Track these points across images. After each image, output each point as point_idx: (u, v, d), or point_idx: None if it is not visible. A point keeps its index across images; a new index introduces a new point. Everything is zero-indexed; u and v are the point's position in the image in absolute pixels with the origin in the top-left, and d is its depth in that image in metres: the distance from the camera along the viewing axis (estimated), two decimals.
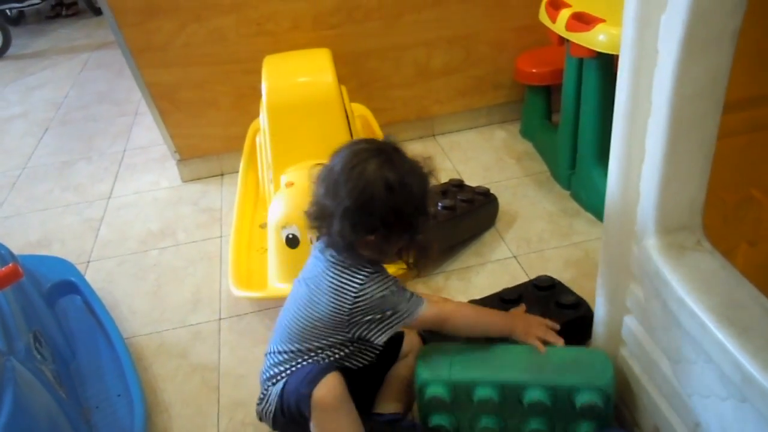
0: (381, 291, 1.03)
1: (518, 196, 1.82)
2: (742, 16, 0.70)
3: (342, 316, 1.04)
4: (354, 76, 1.97)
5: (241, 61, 1.88)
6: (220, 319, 1.52)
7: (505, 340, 1.12)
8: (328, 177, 1.01)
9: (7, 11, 4.20)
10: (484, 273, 1.56)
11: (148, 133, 2.49)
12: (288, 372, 1.10)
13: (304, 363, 1.10)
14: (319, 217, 1.03)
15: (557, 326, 1.13)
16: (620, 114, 0.87)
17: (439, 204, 1.57)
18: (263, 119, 1.63)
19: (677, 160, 0.81)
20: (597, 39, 1.43)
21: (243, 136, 1.94)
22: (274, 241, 1.45)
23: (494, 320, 1.14)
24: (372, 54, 1.97)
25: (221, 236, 1.82)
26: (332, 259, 1.05)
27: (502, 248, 1.63)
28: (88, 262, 1.79)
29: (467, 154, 2.07)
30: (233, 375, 1.37)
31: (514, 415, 1.08)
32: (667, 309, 0.85)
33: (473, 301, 1.34)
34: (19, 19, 4.33)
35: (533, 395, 1.03)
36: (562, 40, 1.59)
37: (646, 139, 0.84)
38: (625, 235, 0.95)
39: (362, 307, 1.03)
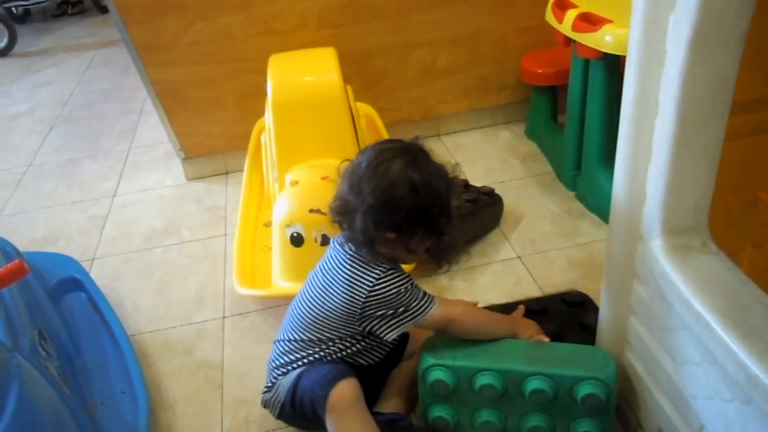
0: (396, 287, 1.04)
1: (523, 196, 1.82)
2: (750, 16, 0.70)
3: (354, 309, 1.05)
4: (359, 75, 1.97)
5: (246, 59, 1.88)
6: (224, 317, 1.52)
7: None
8: (353, 174, 1.02)
9: (13, 9, 4.21)
10: (488, 273, 1.56)
11: (153, 131, 2.50)
12: (298, 364, 1.11)
13: (316, 356, 1.11)
14: (342, 212, 1.05)
15: (546, 340, 1.15)
16: (627, 115, 0.87)
17: None
18: (268, 118, 1.63)
19: (684, 161, 0.81)
20: (604, 40, 1.43)
21: (248, 135, 1.94)
22: (278, 240, 1.46)
23: (499, 325, 1.15)
24: (377, 53, 1.97)
25: (225, 234, 1.83)
26: (350, 252, 1.07)
27: (507, 249, 1.63)
28: (93, 259, 1.79)
29: (472, 155, 2.07)
30: (237, 373, 1.37)
31: (515, 409, 1.08)
32: (673, 310, 0.85)
33: (491, 307, 1.33)
34: (25, 17, 4.34)
35: (535, 384, 1.03)
36: (569, 41, 1.59)
37: (652, 140, 0.84)
38: (631, 236, 0.95)
39: (375, 301, 1.04)
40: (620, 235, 0.97)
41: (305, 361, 1.11)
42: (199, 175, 2.13)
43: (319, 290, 1.10)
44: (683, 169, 0.82)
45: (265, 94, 1.65)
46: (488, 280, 1.54)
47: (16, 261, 0.91)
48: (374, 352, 1.15)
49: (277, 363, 1.14)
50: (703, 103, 0.77)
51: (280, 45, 1.84)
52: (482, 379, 1.06)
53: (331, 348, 1.11)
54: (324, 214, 1.32)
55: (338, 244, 1.10)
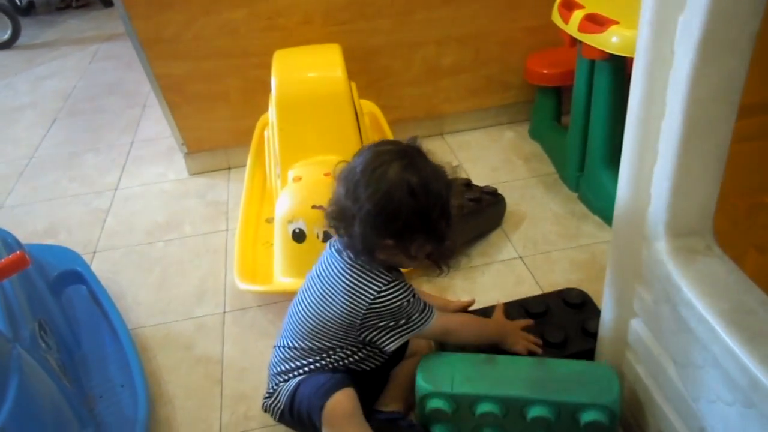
0: (398, 300, 1.03)
1: (526, 197, 1.82)
2: (760, 18, 0.69)
3: (355, 319, 1.04)
4: (364, 72, 1.96)
5: (251, 54, 1.88)
6: (224, 312, 1.52)
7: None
8: (349, 178, 0.99)
9: (18, 1, 4.21)
10: (489, 273, 1.56)
11: (156, 125, 2.50)
12: (299, 372, 1.11)
13: (316, 364, 1.10)
14: (339, 218, 1.02)
15: (539, 350, 1.17)
16: (633, 116, 0.86)
17: None
18: (272, 113, 1.63)
19: (690, 163, 0.81)
20: (610, 41, 1.42)
21: (251, 130, 1.94)
22: (280, 236, 1.45)
23: (489, 332, 1.17)
24: (382, 51, 1.97)
25: (227, 230, 1.82)
26: (350, 261, 1.04)
27: (509, 249, 1.63)
28: (95, 252, 1.79)
29: (475, 154, 2.07)
30: (236, 368, 1.37)
31: (517, 429, 1.07)
32: (676, 313, 0.85)
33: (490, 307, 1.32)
34: (29, 10, 4.34)
35: (537, 411, 1.02)
36: (574, 41, 1.59)
37: (658, 142, 0.84)
38: (635, 238, 0.94)
39: (377, 313, 1.03)
40: (624, 236, 0.97)
41: (306, 369, 1.11)
42: (201, 170, 2.13)
43: (317, 298, 1.08)
44: (689, 171, 0.82)
45: (268, 90, 1.64)
46: (489, 280, 1.54)
47: (18, 252, 0.90)
48: (376, 359, 1.15)
49: (278, 370, 1.14)
50: (710, 105, 0.76)
51: (285, 41, 1.84)
52: (482, 407, 1.04)
53: (332, 357, 1.11)
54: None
55: (335, 250, 1.08)
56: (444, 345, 1.20)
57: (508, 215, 1.73)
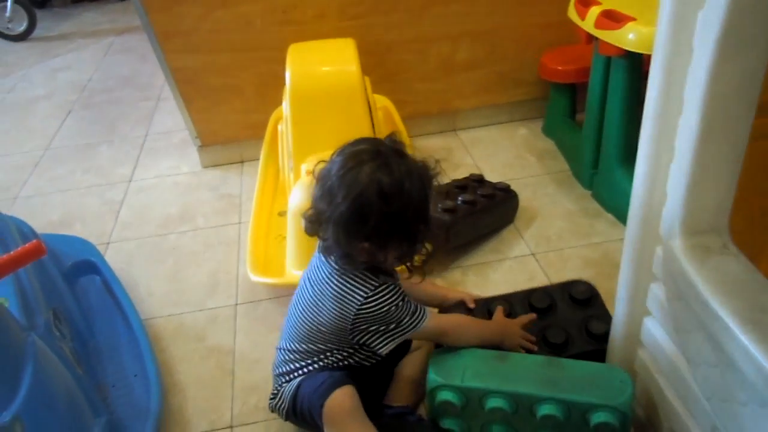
0: (386, 305, 1.02)
1: (538, 194, 1.82)
2: None
3: (345, 324, 1.04)
4: (378, 67, 1.96)
5: (265, 48, 1.88)
6: (236, 304, 1.53)
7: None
8: (324, 179, 0.98)
9: None
10: (501, 269, 1.55)
11: (170, 118, 2.51)
12: (300, 372, 1.12)
13: (315, 365, 1.11)
14: (315, 221, 1.01)
15: (532, 338, 1.17)
16: (650, 112, 0.86)
17: (459, 198, 1.56)
18: (286, 107, 1.63)
19: (707, 161, 0.80)
20: (627, 37, 1.42)
21: (265, 124, 1.94)
22: (293, 228, 1.46)
23: (486, 333, 1.15)
24: (396, 46, 1.97)
25: (240, 222, 1.83)
26: (336, 266, 1.04)
27: (521, 245, 1.62)
28: (108, 243, 1.80)
29: (488, 150, 2.06)
30: (248, 360, 1.37)
31: (526, 427, 1.06)
32: (690, 311, 0.84)
33: (497, 297, 1.31)
34: (44, 2, 4.36)
35: (546, 410, 1.01)
36: (591, 38, 1.58)
37: (675, 139, 0.83)
38: (649, 236, 0.94)
39: (365, 318, 1.03)
40: (638, 233, 0.96)
41: (306, 370, 1.11)
42: (214, 162, 2.14)
43: (309, 303, 1.09)
44: (706, 169, 0.81)
45: (283, 84, 1.65)
46: (501, 276, 1.53)
47: (34, 241, 0.91)
48: (376, 357, 1.14)
49: (280, 371, 1.15)
50: (729, 102, 0.76)
51: (300, 35, 1.84)
52: (492, 402, 1.03)
53: (330, 358, 1.11)
54: None
55: (323, 254, 1.07)
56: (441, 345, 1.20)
57: (520, 212, 1.73)
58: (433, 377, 1.07)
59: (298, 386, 1.10)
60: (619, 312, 1.09)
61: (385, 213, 0.94)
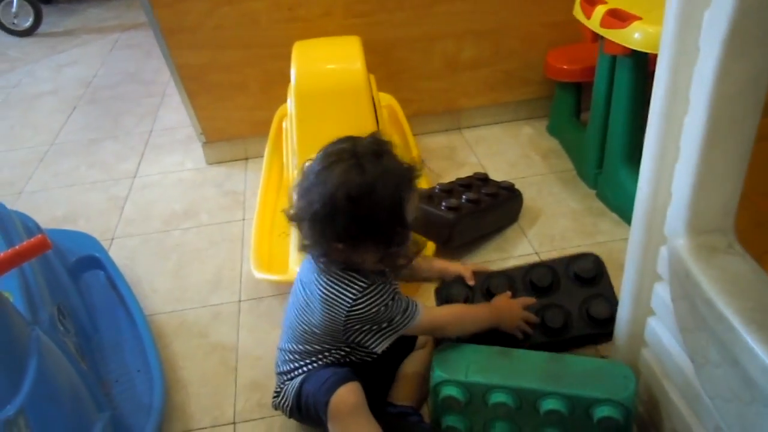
0: (375, 306, 1.02)
1: (543, 193, 1.81)
2: None
3: (337, 326, 1.04)
4: (383, 65, 1.96)
5: (271, 45, 1.88)
6: (240, 300, 1.53)
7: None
8: (304, 177, 0.99)
9: None
10: None
11: (174, 114, 2.51)
12: (302, 371, 1.12)
13: (316, 364, 1.11)
14: (295, 219, 1.01)
15: (534, 319, 1.17)
16: (656, 112, 0.86)
17: (464, 197, 1.56)
18: (291, 104, 1.63)
19: (713, 161, 0.80)
20: (632, 37, 1.41)
21: (269, 121, 1.95)
22: None
23: (483, 320, 1.15)
24: (401, 44, 1.97)
25: (243, 219, 1.83)
26: (324, 269, 1.04)
27: (525, 244, 1.62)
28: (112, 239, 1.81)
29: (493, 149, 2.06)
30: (251, 356, 1.38)
31: (530, 423, 1.07)
32: (695, 311, 0.84)
33: (496, 273, 1.30)
34: None
35: (550, 405, 1.01)
36: (596, 37, 1.58)
37: (681, 139, 0.83)
38: (654, 235, 0.94)
39: (356, 319, 1.03)
40: (643, 233, 0.96)
41: (307, 368, 1.12)
42: (219, 159, 2.14)
43: (302, 305, 1.09)
44: (712, 169, 0.81)
45: (287, 81, 1.65)
46: None
47: (39, 236, 0.91)
48: (375, 354, 1.12)
49: (282, 369, 1.16)
50: (735, 102, 0.75)
51: (305, 32, 1.84)
52: (495, 397, 1.04)
53: (328, 358, 1.11)
54: None
55: (306, 253, 1.07)
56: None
57: (524, 211, 1.72)
58: (438, 372, 1.07)
59: (302, 383, 1.10)
60: (623, 311, 1.09)
61: (354, 215, 0.94)
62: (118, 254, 1.71)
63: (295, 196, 1.01)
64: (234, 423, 1.24)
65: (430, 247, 1.48)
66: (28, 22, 3.72)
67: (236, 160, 2.14)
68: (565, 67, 1.93)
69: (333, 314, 1.03)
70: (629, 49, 1.43)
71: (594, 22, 1.53)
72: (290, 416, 1.16)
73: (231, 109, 2.02)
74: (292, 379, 1.13)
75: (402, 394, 1.18)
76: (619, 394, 0.99)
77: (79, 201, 2.02)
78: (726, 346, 0.77)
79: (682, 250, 0.86)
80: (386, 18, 1.90)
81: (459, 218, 1.49)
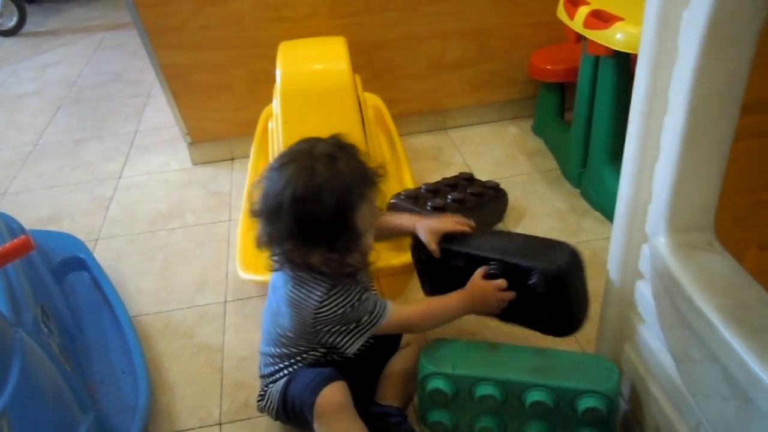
0: (341, 307, 1.02)
1: (528, 192, 1.82)
2: (765, 14, 0.69)
3: (307, 328, 1.05)
4: (368, 65, 1.97)
5: (256, 46, 1.88)
6: (225, 301, 1.53)
7: None
8: (261, 176, 0.99)
9: None
10: None
11: (160, 114, 2.50)
12: (283, 373, 1.12)
13: (296, 366, 1.11)
14: (253, 216, 1.01)
15: (510, 297, 1.10)
16: (636, 111, 0.87)
17: (449, 197, 1.57)
18: (276, 105, 1.63)
19: (692, 159, 0.81)
20: (615, 37, 1.43)
21: (255, 121, 1.94)
22: None
23: (456, 311, 1.12)
24: (387, 44, 1.97)
25: (230, 220, 1.83)
26: (290, 273, 1.04)
27: None
28: (97, 239, 1.80)
29: (478, 149, 2.07)
30: (237, 357, 1.37)
31: (515, 417, 1.08)
32: (675, 308, 0.85)
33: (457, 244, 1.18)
34: None
35: (535, 396, 1.03)
36: (579, 38, 1.59)
37: (661, 138, 0.84)
38: (635, 233, 0.95)
39: (324, 320, 1.03)
40: (625, 231, 0.97)
41: (288, 370, 1.12)
42: (205, 159, 2.13)
43: (274, 309, 1.10)
44: (691, 168, 0.82)
45: (273, 81, 1.64)
46: None
47: (23, 237, 0.91)
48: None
49: (264, 372, 1.16)
50: (713, 102, 0.76)
51: (291, 32, 1.84)
52: (482, 389, 1.05)
53: (307, 360, 1.11)
54: None
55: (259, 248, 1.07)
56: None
57: (510, 210, 1.73)
58: (425, 365, 1.08)
59: (287, 384, 1.10)
60: (607, 309, 1.10)
61: (297, 215, 0.94)
62: (103, 255, 1.71)
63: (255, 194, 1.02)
64: (220, 424, 1.24)
65: None
66: (13, 22, 3.69)
67: (222, 161, 2.14)
68: (548, 67, 1.94)
69: (301, 317, 1.04)
70: (612, 49, 1.45)
71: (577, 22, 1.55)
72: (276, 418, 1.16)
73: (217, 109, 2.01)
74: (275, 381, 1.13)
75: (387, 393, 1.18)
76: (603, 385, 1.01)
77: (63, 202, 2.01)
78: (705, 343, 0.78)
79: (662, 248, 0.87)
80: (371, 18, 1.90)
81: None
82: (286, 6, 1.84)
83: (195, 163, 2.14)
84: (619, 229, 0.99)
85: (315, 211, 0.93)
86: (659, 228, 0.88)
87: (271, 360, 1.14)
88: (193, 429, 1.24)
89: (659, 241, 0.88)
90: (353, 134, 1.54)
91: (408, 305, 1.17)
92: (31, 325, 1.13)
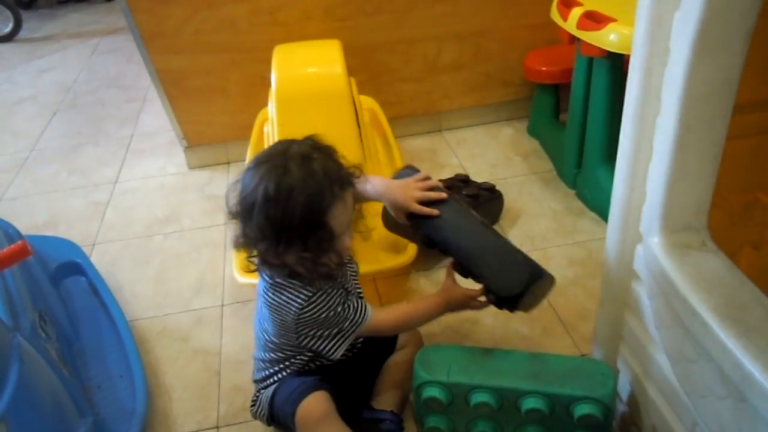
0: (323, 312, 1.02)
1: (523, 193, 1.83)
2: (756, 16, 0.70)
3: (290, 333, 1.05)
4: (363, 68, 1.97)
5: (251, 49, 1.89)
6: (222, 305, 1.53)
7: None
8: (238, 176, 0.99)
9: None
10: None
11: (155, 119, 2.50)
12: (275, 378, 1.13)
13: (287, 371, 1.12)
14: (230, 215, 1.01)
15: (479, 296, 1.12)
16: (629, 112, 0.87)
17: None
18: (272, 109, 1.63)
19: (685, 160, 0.81)
20: (608, 38, 1.43)
21: (251, 125, 1.94)
22: None
23: (432, 314, 1.14)
24: (382, 47, 1.98)
25: (226, 223, 1.82)
26: (270, 280, 1.04)
27: None
28: (94, 244, 1.80)
29: (474, 150, 2.07)
30: (234, 360, 1.37)
31: (511, 422, 1.08)
32: (670, 308, 0.85)
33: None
34: (30, 3, 4.33)
35: (531, 403, 1.02)
36: (573, 39, 1.59)
37: (654, 139, 0.84)
38: (630, 234, 0.95)
39: (306, 325, 1.03)
40: (619, 232, 0.98)
41: (279, 376, 1.12)
42: (201, 163, 2.14)
43: (260, 314, 1.10)
44: (684, 168, 0.82)
45: (268, 85, 1.65)
46: None
47: (20, 242, 0.91)
48: (345, 354, 1.11)
49: (257, 377, 1.16)
50: (705, 102, 0.77)
51: (285, 36, 1.85)
52: (477, 397, 1.05)
53: (295, 364, 1.12)
54: None
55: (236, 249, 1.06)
56: None
57: (505, 211, 1.74)
58: (420, 373, 1.08)
59: (274, 393, 1.11)
60: (602, 309, 1.10)
61: (269, 215, 0.93)
62: (99, 260, 1.71)
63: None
64: (217, 427, 1.24)
65: (412, 248, 1.49)
66: (8, 28, 3.70)
67: (218, 165, 2.14)
68: (543, 68, 1.95)
69: (284, 322, 1.04)
70: (605, 50, 1.45)
71: (570, 24, 1.55)
72: (269, 424, 1.16)
73: (212, 113, 2.02)
74: (266, 387, 1.13)
75: (383, 397, 1.18)
76: (598, 392, 1.00)
77: (59, 207, 2.01)
78: (700, 343, 0.78)
79: (656, 248, 0.87)
80: (366, 21, 1.91)
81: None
82: (281, 10, 1.84)
83: (191, 167, 2.14)
84: (613, 230, 1.00)
85: (286, 210, 0.92)
86: (653, 228, 0.88)
87: (263, 365, 1.14)
88: None
89: (653, 241, 0.88)
90: (349, 137, 1.56)
91: (386, 310, 1.15)
92: (29, 330, 1.13)
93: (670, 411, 0.94)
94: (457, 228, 1.12)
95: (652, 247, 0.88)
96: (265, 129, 1.86)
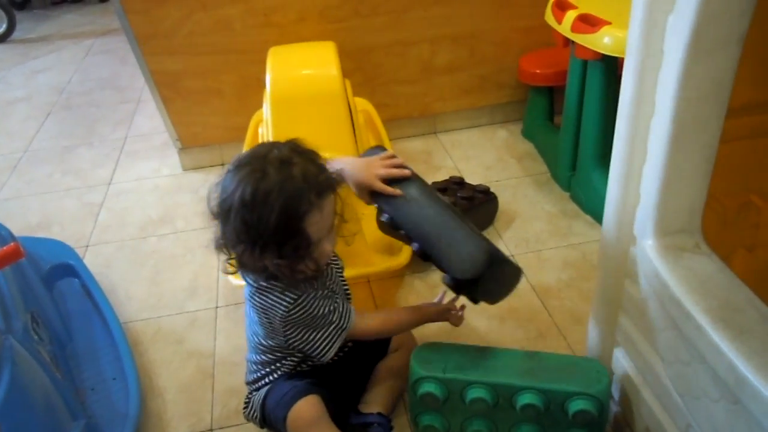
0: (308, 314, 1.02)
1: (518, 195, 1.83)
2: (749, 19, 0.70)
3: (278, 336, 1.05)
4: (358, 70, 1.97)
5: (246, 51, 1.88)
6: (216, 307, 1.53)
7: None
8: (219, 179, 0.98)
9: None
10: None
11: (150, 120, 2.50)
12: (267, 381, 1.13)
13: (278, 372, 1.12)
14: (212, 217, 1.00)
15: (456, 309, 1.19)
16: (623, 115, 0.87)
17: None
18: (266, 110, 1.63)
19: (679, 162, 0.82)
20: (602, 41, 1.44)
21: (245, 127, 1.94)
22: None
23: (412, 324, 1.19)
24: (377, 49, 1.98)
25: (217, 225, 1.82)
26: (254, 284, 1.03)
27: (500, 247, 1.61)
28: (87, 246, 1.79)
29: (468, 153, 2.07)
30: (228, 363, 1.37)
31: (506, 419, 1.08)
32: (664, 310, 0.85)
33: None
34: (24, 4, 4.31)
35: (526, 399, 1.03)
36: (567, 42, 1.60)
37: (648, 141, 0.85)
38: (624, 236, 0.95)
39: (293, 326, 1.03)
40: (613, 234, 0.98)
41: (270, 378, 1.12)
42: (195, 165, 2.13)
43: (249, 317, 1.11)
44: (678, 170, 0.83)
45: (263, 87, 1.64)
46: None
47: (12, 244, 0.90)
48: (336, 354, 1.10)
49: (249, 379, 1.17)
50: (699, 105, 0.77)
51: (280, 37, 1.85)
52: (473, 393, 1.05)
53: (286, 366, 1.12)
54: None
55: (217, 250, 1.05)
56: None
57: (500, 214, 1.74)
58: (416, 369, 1.08)
59: (266, 396, 1.11)
60: (597, 311, 1.11)
61: (245, 219, 0.92)
62: (93, 261, 1.70)
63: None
64: (211, 430, 1.24)
65: (406, 250, 1.49)
66: (2, 29, 3.68)
67: (212, 166, 2.13)
68: (537, 71, 1.95)
69: (271, 325, 1.04)
70: (599, 53, 1.46)
71: (565, 27, 1.56)
72: (262, 427, 1.16)
73: (207, 114, 2.01)
74: (258, 389, 1.13)
75: (374, 399, 1.18)
76: (593, 388, 1.01)
77: (53, 208, 2.00)
78: (693, 345, 0.79)
79: (650, 251, 0.87)
80: (361, 23, 1.91)
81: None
82: (276, 11, 1.84)
83: (185, 169, 2.13)
84: (607, 232, 1.00)
85: (262, 215, 0.91)
86: (647, 230, 0.88)
87: (254, 367, 1.14)
88: None
89: (647, 244, 0.88)
90: (343, 139, 1.56)
91: (367, 316, 1.13)
92: (21, 332, 1.13)
93: (664, 413, 0.94)
94: (418, 206, 1.09)
95: (646, 250, 0.88)
96: (260, 131, 1.86)
